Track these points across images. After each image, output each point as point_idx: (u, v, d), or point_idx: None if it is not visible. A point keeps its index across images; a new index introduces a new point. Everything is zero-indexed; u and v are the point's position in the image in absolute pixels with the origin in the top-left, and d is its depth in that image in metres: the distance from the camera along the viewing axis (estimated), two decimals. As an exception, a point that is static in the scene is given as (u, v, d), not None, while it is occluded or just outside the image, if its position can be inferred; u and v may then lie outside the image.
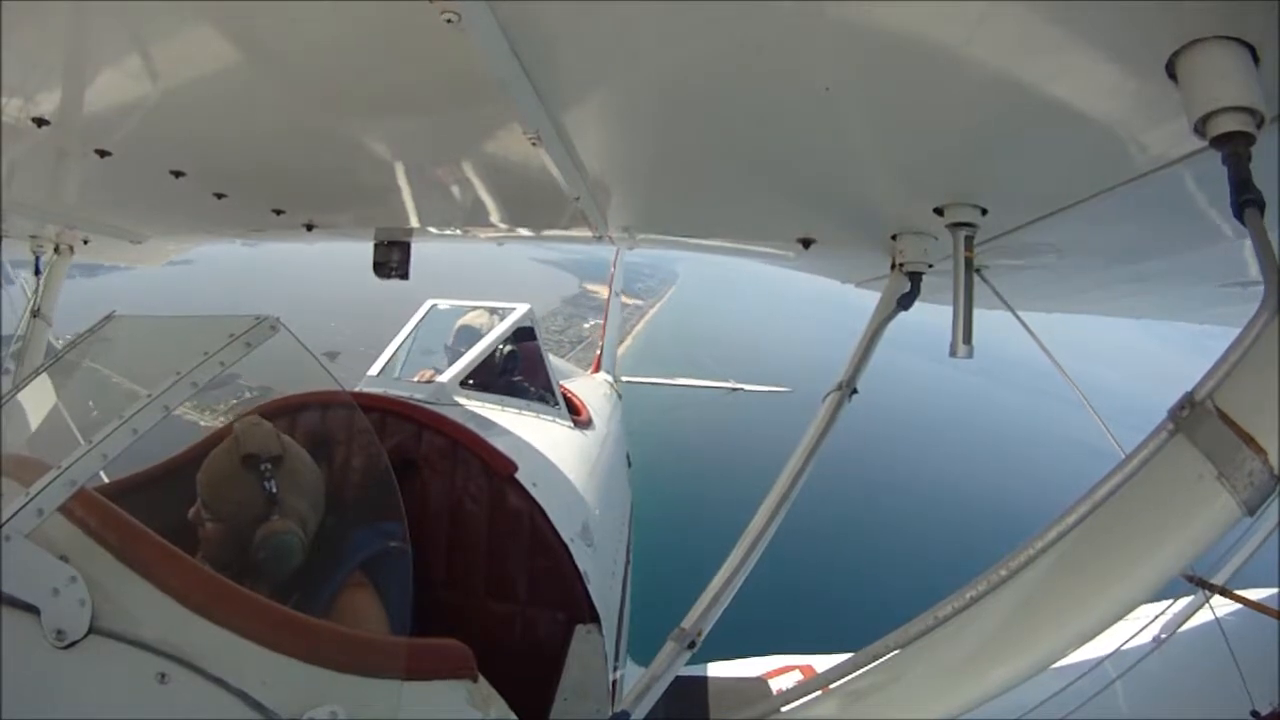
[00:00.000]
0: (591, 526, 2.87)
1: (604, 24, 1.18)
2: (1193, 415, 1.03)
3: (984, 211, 1.79)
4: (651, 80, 1.38)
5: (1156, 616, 3.96)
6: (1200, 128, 1.04)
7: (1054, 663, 1.14)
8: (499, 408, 3.52)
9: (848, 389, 2.22)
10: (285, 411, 2.43)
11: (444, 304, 4.42)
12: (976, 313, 1.94)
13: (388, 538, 1.91)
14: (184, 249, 4.54)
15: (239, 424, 1.87)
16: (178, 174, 2.35)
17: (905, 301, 2.21)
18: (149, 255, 4.42)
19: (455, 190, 2.51)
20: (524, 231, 3.10)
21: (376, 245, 3.36)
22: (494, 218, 2.83)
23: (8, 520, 1.20)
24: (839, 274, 3.41)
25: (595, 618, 2.41)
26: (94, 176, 2.50)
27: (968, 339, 1.94)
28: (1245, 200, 1.02)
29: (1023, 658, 1.14)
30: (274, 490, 1.77)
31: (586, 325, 33.83)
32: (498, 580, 2.49)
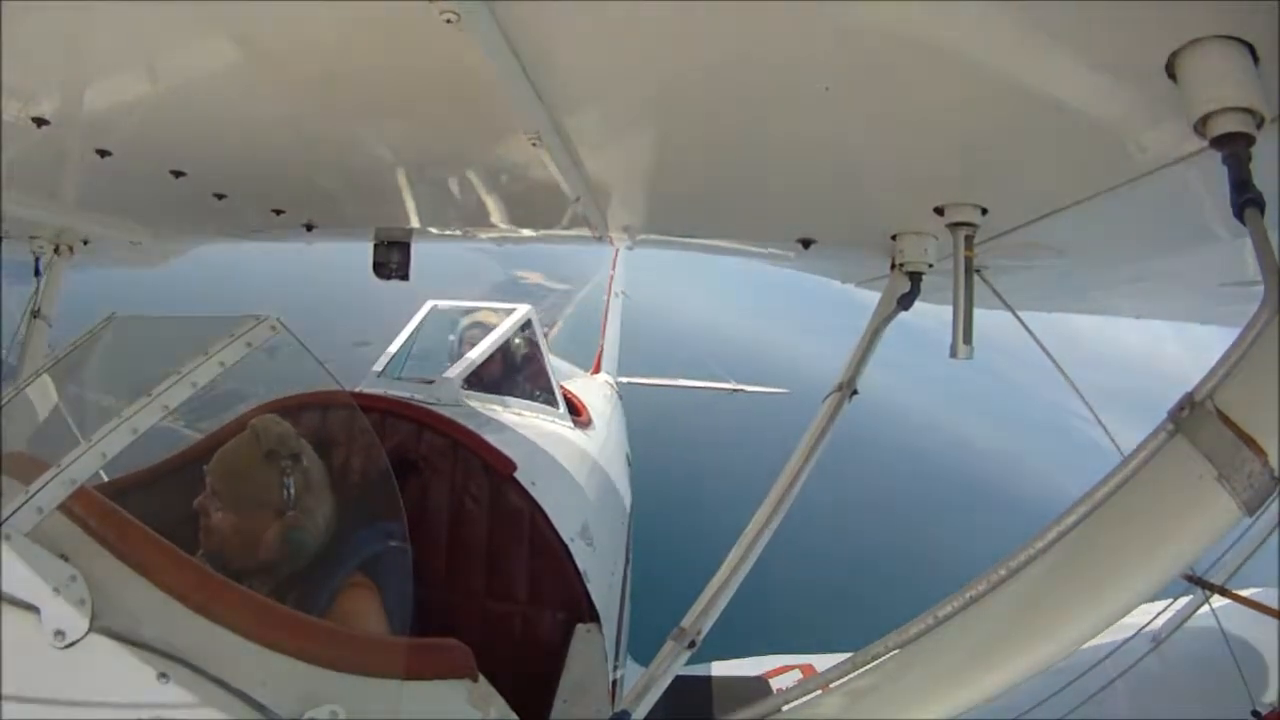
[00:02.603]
0: (591, 526, 2.87)
1: (604, 24, 1.18)
2: (1193, 416, 1.03)
3: (984, 211, 1.79)
4: (651, 80, 1.38)
5: (1156, 616, 3.96)
6: (1200, 128, 1.04)
7: (1054, 662, 1.14)
8: (499, 407, 3.52)
9: (848, 390, 2.22)
10: (286, 411, 2.43)
11: (444, 305, 4.42)
12: (976, 313, 1.94)
13: (388, 537, 1.91)
14: (184, 249, 4.54)
15: (258, 421, 1.88)
16: (178, 174, 2.35)
17: (905, 301, 2.21)
18: (149, 255, 4.41)
19: (455, 190, 2.51)
20: (524, 232, 3.10)
21: (376, 245, 3.36)
22: (494, 218, 2.83)
23: (7, 518, 1.20)
24: (839, 274, 3.41)
25: (595, 617, 2.41)
26: (94, 176, 2.49)
27: (968, 339, 1.94)
28: (1245, 200, 1.02)
29: (1023, 657, 1.14)
30: (292, 487, 1.80)
31: (518, 313, 33.19)
32: (498, 580, 2.49)
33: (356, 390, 3.29)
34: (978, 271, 1.94)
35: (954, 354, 1.95)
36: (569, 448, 3.60)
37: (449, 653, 1.49)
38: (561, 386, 4.13)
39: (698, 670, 5.05)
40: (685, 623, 1.98)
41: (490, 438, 2.68)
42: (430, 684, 1.43)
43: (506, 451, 2.60)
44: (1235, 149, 1.02)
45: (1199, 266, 2.32)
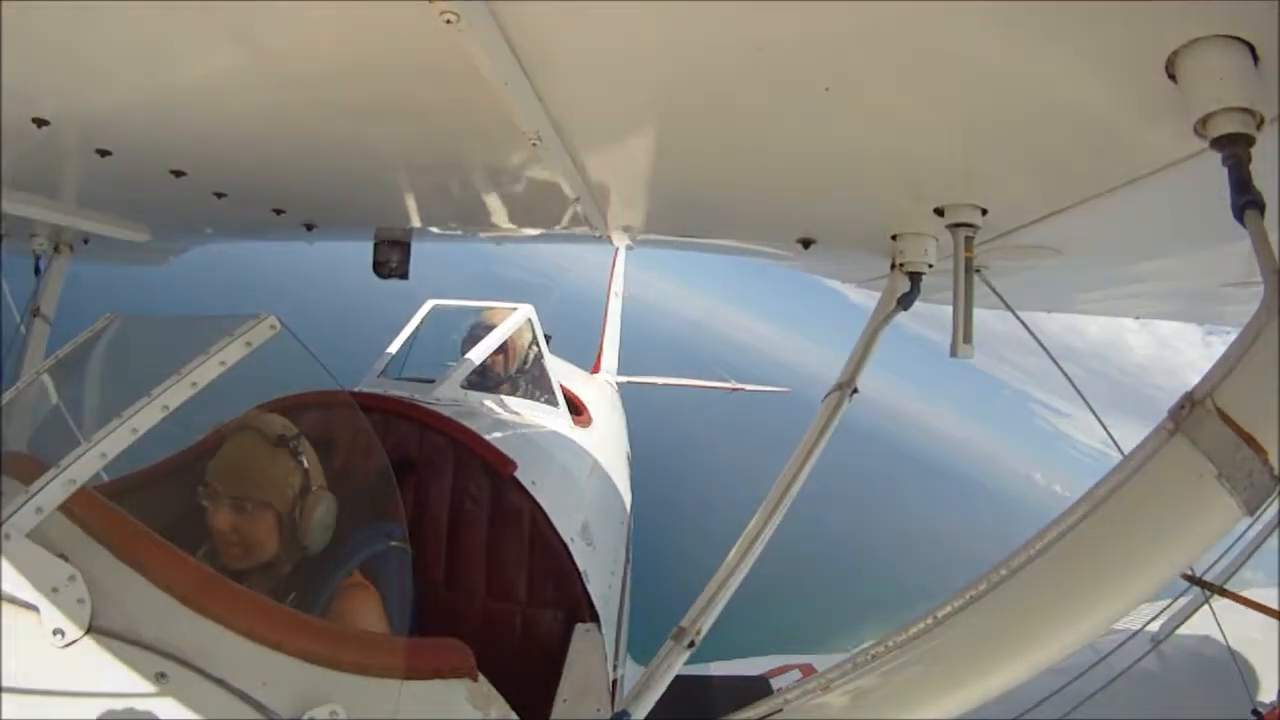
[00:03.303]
0: (591, 526, 2.87)
1: (603, 24, 1.17)
2: (1193, 415, 1.03)
3: (984, 211, 1.79)
4: (651, 80, 1.38)
5: (1156, 616, 3.96)
6: (1200, 128, 1.04)
7: (1054, 662, 1.13)
8: (500, 407, 3.52)
9: (848, 389, 2.21)
10: (286, 411, 2.43)
11: (445, 304, 4.42)
12: (976, 312, 1.94)
13: (388, 537, 1.91)
14: (184, 249, 4.55)
15: (259, 418, 1.88)
16: (178, 174, 2.35)
17: (905, 301, 2.21)
18: (149, 255, 4.42)
19: (455, 190, 2.51)
20: (524, 231, 3.10)
21: (376, 245, 3.36)
22: (494, 218, 2.83)
23: (7, 518, 1.20)
24: (839, 274, 3.41)
25: (595, 617, 2.41)
26: (94, 176, 2.50)
27: (968, 339, 1.94)
28: (1245, 201, 1.02)
29: (1023, 658, 1.14)
30: (296, 483, 1.80)
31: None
32: (498, 579, 2.49)
33: (356, 390, 3.29)
34: (978, 271, 1.94)
35: (954, 353, 1.95)
36: (569, 447, 3.60)
37: (449, 652, 1.49)
38: (562, 386, 4.13)
39: (698, 670, 5.05)
40: (685, 622, 1.97)
41: (490, 437, 2.68)
42: (430, 683, 1.43)
43: (507, 451, 2.60)
44: (1235, 149, 1.02)
45: (1199, 266, 2.32)
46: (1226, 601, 3.63)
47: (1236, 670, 3.44)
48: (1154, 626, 4.00)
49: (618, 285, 9.73)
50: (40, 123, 1.85)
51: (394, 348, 3.95)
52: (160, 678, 1.22)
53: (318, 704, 1.27)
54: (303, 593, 1.74)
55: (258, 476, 1.78)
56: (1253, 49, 0.99)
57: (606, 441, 4.61)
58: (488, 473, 2.54)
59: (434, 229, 3.22)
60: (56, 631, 1.21)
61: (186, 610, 1.30)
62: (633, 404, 7.65)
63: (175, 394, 1.39)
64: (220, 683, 1.24)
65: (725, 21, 1.11)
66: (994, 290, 2.18)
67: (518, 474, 2.54)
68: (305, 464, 1.84)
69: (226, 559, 1.74)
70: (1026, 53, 1.13)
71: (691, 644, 1.94)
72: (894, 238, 2.19)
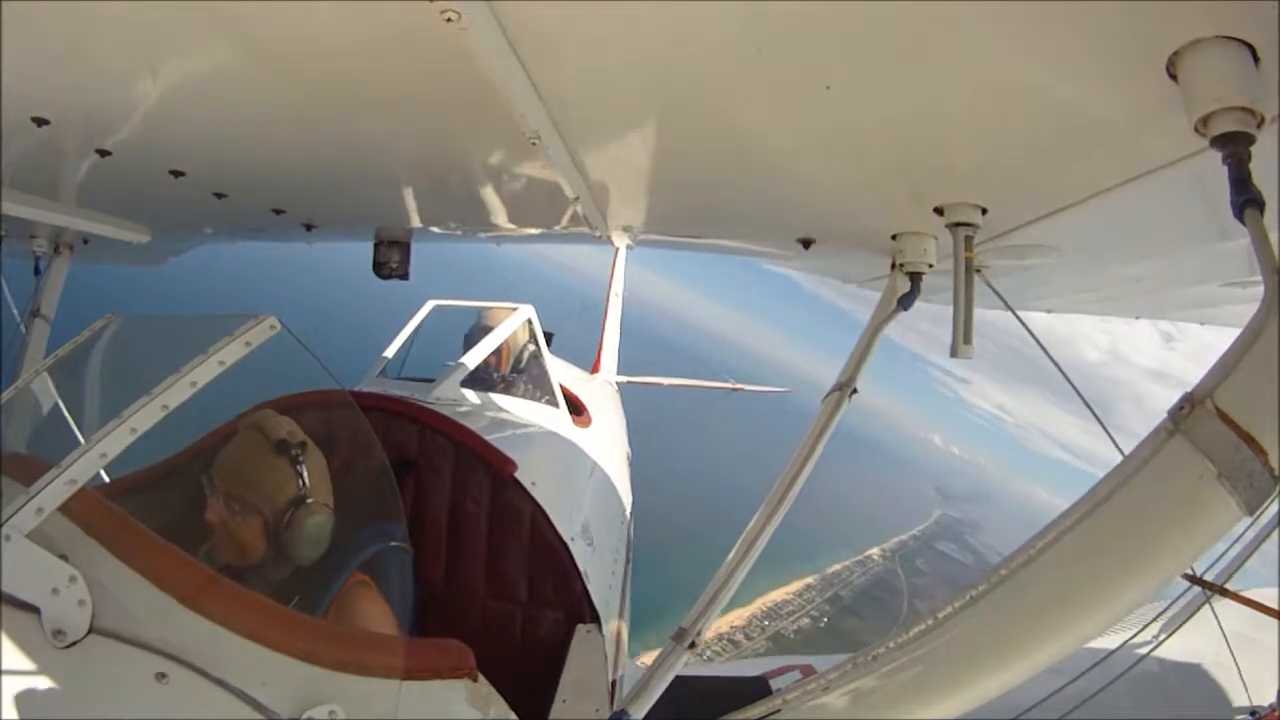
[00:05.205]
0: (592, 526, 2.87)
1: (604, 24, 1.18)
2: (1193, 415, 1.03)
3: (984, 211, 1.79)
4: (651, 80, 1.38)
5: (1156, 616, 3.96)
6: (1200, 127, 1.04)
7: (1055, 662, 1.14)
8: (500, 407, 3.52)
9: (848, 389, 2.21)
10: (285, 411, 2.43)
11: (445, 304, 4.42)
12: (976, 312, 1.94)
13: (388, 537, 1.91)
14: (184, 249, 4.55)
15: (258, 416, 1.86)
16: (178, 174, 2.35)
17: (905, 301, 2.21)
18: (149, 255, 4.42)
19: (455, 190, 2.51)
20: (524, 231, 3.10)
21: (376, 245, 3.36)
22: (494, 217, 2.83)
23: (8, 519, 1.21)
24: (839, 274, 3.41)
25: (595, 617, 2.41)
26: (94, 176, 2.50)
27: (968, 339, 1.94)
28: (1245, 200, 1.02)
29: (1023, 658, 1.14)
30: (305, 475, 1.79)
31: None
32: (498, 580, 2.49)
33: (356, 389, 3.29)
34: (978, 271, 1.94)
35: (954, 353, 1.94)
36: (569, 447, 3.60)
37: (448, 652, 1.49)
38: (561, 386, 4.13)
39: (698, 670, 5.05)
40: (685, 623, 1.97)
41: (490, 437, 2.68)
42: (429, 684, 1.43)
43: (507, 451, 2.60)
44: (1235, 149, 1.02)
45: (1199, 266, 2.32)
46: (1227, 601, 3.63)
47: (1237, 671, 3.44)
48: (1154, 627, 4.00)
49: (618, 285, 9.73)
50: (40, 122, 1.85)
51: (394, 348, 3.95)
52: (161, 678, 1.22)
53: (317, 704, 1.27)
54: (307, 592, 1.74)
55: (251, 481, 1.77)
56: (1253, 49, 0.99)
57: (606, 442, 4.61)
58: (488, 473, 2.54)
59: (434, 229, 3.22)
60: (58, 633, 1.21)
61: (187, 611, 1.30)
62: (633, 404, 7.65)
63: (175, 394, 1.39)
64: (220, 683, 1.24)
65: (725, 21, 1.11)
66: (994, 290, 2.18)
67: (518, 474, 2.54)
68: (304, 474, 1.79)
69: (220, 554, 1.74)
70: (1027, 53, 1.13)
71: (692, 644, 1.94)
72: (894, 237, 2.19)
